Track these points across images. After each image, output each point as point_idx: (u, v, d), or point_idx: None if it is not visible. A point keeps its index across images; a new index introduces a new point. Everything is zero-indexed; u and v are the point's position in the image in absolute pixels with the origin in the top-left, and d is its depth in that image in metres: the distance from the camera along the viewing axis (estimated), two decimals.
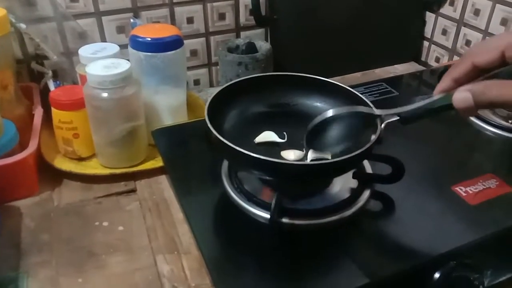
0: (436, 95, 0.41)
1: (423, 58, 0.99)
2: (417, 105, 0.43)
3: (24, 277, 0.47)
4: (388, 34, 0.93)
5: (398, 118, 0.47)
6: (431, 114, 0.48)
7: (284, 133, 0.55)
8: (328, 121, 0.48)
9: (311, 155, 0.51)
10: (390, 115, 0.47)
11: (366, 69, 0.93)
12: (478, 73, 0.39)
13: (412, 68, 0.95)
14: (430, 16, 0.95)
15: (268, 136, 0.55)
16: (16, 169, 0.56)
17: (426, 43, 0.97)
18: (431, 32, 0.95)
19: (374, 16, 0.90)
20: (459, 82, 0.40)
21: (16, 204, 0.57)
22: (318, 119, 0.48)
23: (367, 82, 0.80)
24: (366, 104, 0.51)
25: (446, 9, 0.91)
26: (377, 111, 0.48)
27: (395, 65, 0.95)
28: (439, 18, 0.93)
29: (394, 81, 0.81)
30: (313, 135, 0.49)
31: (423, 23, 0.96)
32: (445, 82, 0.41)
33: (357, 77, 0.91)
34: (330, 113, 0.47)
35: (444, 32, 0.92)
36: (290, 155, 0.52)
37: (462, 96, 0.37)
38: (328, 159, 0.50)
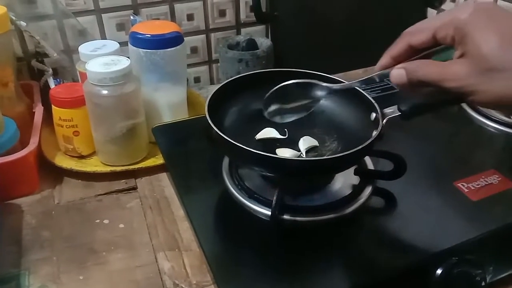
0: (377, 71, 0.44)
1: None
2: (360, 80, 0.47)
3: (26, 274, 0.47)
4: (389, 31, 0.91)
5: (399, 113, 0.47)
6: (433, 109, 0.47)
7: (285, 129, 0.55)
8: (283, 91, 0.50)
9: (303, 147, 0.52)
10: (390, 112, 0.47)
11: (368, 66, 0.93)
12: (414, 52, 0.42)
13: None
14: (431, 13, 0.94)
15: (269, 132, 0.55)
16: (16, 167, 0.56)
17: None
18: None
19: (375, 13, 0.89)
20: (397, 60, 0.43)
21: (17, 202, 0.57)
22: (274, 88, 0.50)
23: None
24: (368, 101, 0.50)
25: (447, 5, 0.90)
26: (326, 84, 0.49)
27: None
28: None
29: None
30: (269, 103, 0.51)
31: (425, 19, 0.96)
32: (384, 59, 0.44)
33: (359, 73, 0.90)
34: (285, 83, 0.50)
35: None
36: (286, 153, 0.52)
37: (397, 73, 0.41)
38: (317, 145, 0.52)
